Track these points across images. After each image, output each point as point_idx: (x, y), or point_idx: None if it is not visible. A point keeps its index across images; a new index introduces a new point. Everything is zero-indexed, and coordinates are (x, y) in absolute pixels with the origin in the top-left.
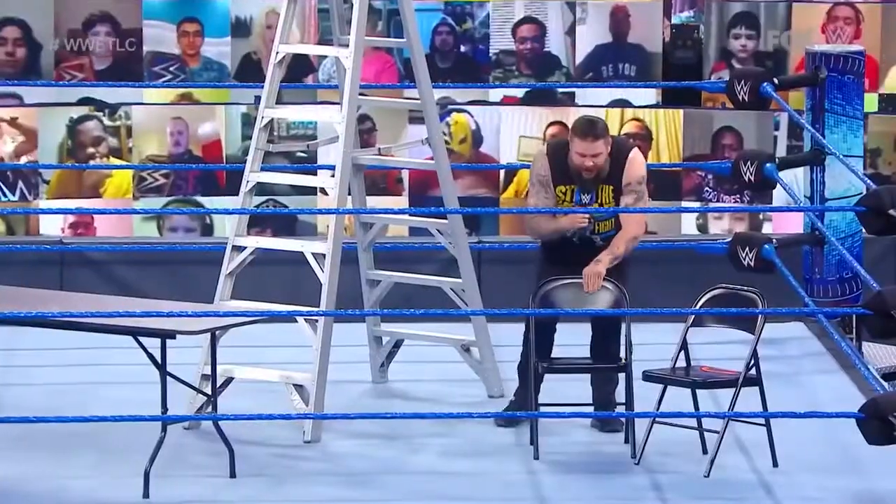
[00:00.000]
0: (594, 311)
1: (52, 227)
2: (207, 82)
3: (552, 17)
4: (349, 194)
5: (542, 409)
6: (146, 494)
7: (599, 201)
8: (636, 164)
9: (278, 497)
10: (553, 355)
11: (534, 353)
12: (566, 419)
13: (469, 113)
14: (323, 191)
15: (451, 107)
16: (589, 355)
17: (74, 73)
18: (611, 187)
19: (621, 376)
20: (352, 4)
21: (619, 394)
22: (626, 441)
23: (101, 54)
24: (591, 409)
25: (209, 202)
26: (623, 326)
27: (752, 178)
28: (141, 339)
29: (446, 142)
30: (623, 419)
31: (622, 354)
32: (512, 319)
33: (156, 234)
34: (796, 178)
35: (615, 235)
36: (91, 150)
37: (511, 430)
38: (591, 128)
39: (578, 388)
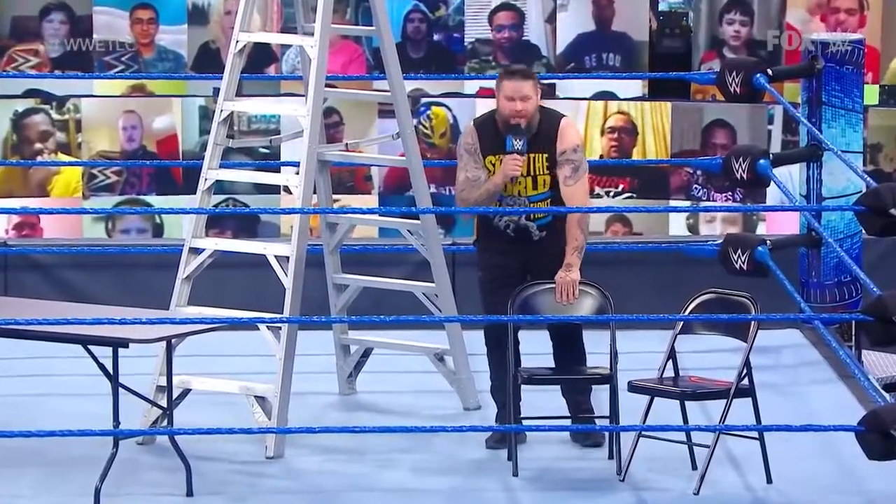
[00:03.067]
0: (578, 317)
1: None
2: (162, 73)
3: (531, 4)
4: (314, 193)
5: (525, 422)
6: None
7: (533, 172)
8: (569, 131)
9: None
10: (523, 366)
11: (513, 363)
12: (545, 433)
13: (446, 106)
14: (286, 189)
15: (424, 100)
16: (554, 364)
17: (28, 58)
18: (544, 155)
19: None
20: None
21: (599, 405)
22: (611, 457)
23: (54, 42)
24: (570, 422)
25: (164, 201)
26: (583, 332)
27: (745, 176)
28: (91, 347)
29: (427, 136)
30: (605, 433)
31: (588, 360)
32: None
33: (105, 235)
34: (791, 176)
35: (552, 222)
36: (38, 145)
37: (504, 451)
38: (518, 69)
39: (553, 399)
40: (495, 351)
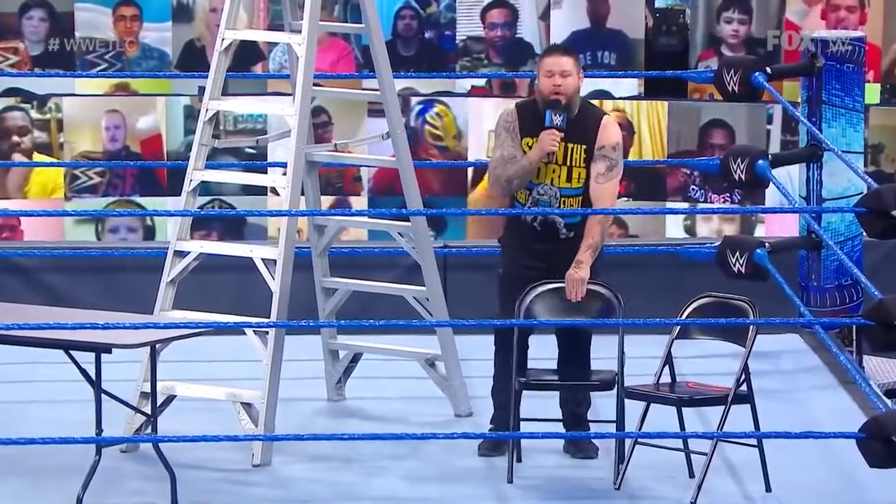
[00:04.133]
0: (581, 321)
1: None
2: (146, 72)
3: (524, 1)
4: (302, 194)
5: (523, 426)
6: None
7: (569, 162)
8: (612, 127)
9: None
10: (531, 368)
11: (515, 369)
12: (541, 439)
13: (446, 104)
14: (274, 190)
15: (417, 99)
16: (558, 370)
17: (7, 56)
18: (582, 147)
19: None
20: None
21: (602, 411)
22: (619, 464)
23: (34, 40)
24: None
25: (148, 203)
26: (589, 337)
27: (743, 177)
28: (73, 353)
29: (439, 136)
30: (597, 445)
31: (594, 368)
32: (481, 331)
33: (89, 237)
34: (791, 177)
35: (581, 223)
36: (16, 138)
37: (497, 458)
38: (559, 46)
39: (553, 404)
40: (502, 352)
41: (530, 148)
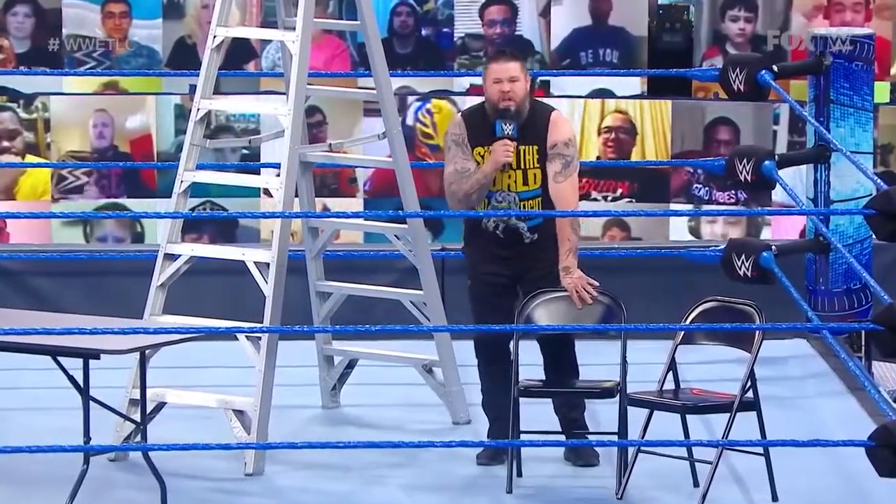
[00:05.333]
0: (586, 326)
1: None
2: (136, 70)
3: None
4: (296, 196)
5: (523, 436)
6: None
7: (523, 165)
8: (562, 123)
9: None
10: (521, 376)
11: (515, 377)
12: (540, 448)
13: (451, 101)
14: (267, 192)
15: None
16: (544, 376)
17: None
18: (535, 147)
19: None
20: None
21: (602, 419)
22: (621, 473)
23: (20, 37)
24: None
25: (137, 205)
26: (572, 342)
27: (749, 178)
28: (61, 359)
29: (428, 136)
30: (598, 453)
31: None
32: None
33: (77, 240)
34: (798, 178)
35: (544, 224)
36: (6, 143)
37: (496, 467)
38: (504, 51)
39: (547, 413)
40: (487, 365)
41: (482, 157)
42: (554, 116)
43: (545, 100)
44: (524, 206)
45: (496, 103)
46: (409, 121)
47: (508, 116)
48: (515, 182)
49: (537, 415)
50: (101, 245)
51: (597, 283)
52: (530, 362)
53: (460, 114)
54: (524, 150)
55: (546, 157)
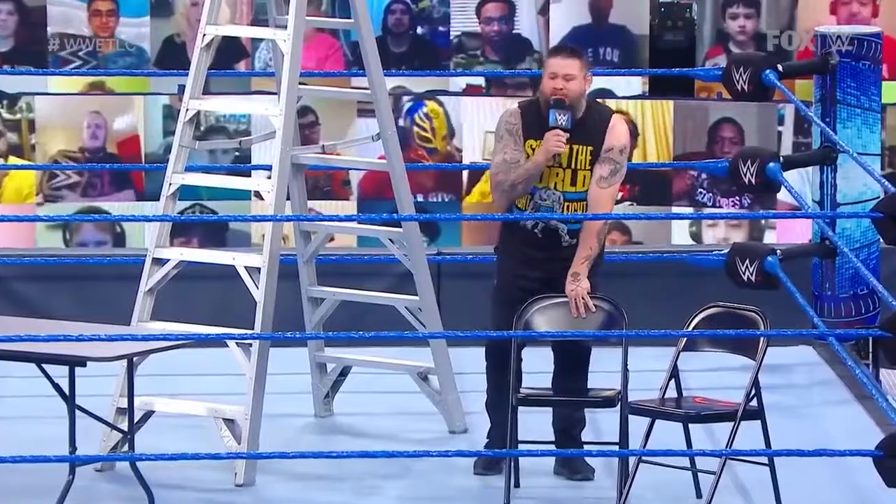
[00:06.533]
0: (582, 333)
1: None
2: (123, 69)
3: None
4: (288, 199)
5: (521, 446)
6: None
7: (574, 165)
8: (620, 129)
9: None
10: (524, 384)
11: (514, 383)
12: (539, 458)
13: (439, 102)
14: (258, 195)
15: (407, 98)
16: (553, 385)
17: None
18: (589, 148)
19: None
20: None
21: (602, 428)
22: (621, 486)
23: (2, 35)
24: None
25: (125, 208)
26: (590, 354)
27: (753, 180)
28: (46, 366)
29: (428, 139)
30: (593, 465)
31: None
32: (476, 343)
33: (60, 244)
34: (803, 180)
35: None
36: None
37: (493, 477)
38: (565, 47)
39: (549, 421)
40: (495, 372)
41: (534, 151)
42: (614, 120)
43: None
44: (568, 207)
45: (548, 97)
46: (402, 121)
47: (563, 107)
48: (563, 181)
49: (542, 425)
50: (86, 249)
51: (592, 307)
52: (538, 370)
53: (518, 104)
54: (577, 150)
55: (598, 159)
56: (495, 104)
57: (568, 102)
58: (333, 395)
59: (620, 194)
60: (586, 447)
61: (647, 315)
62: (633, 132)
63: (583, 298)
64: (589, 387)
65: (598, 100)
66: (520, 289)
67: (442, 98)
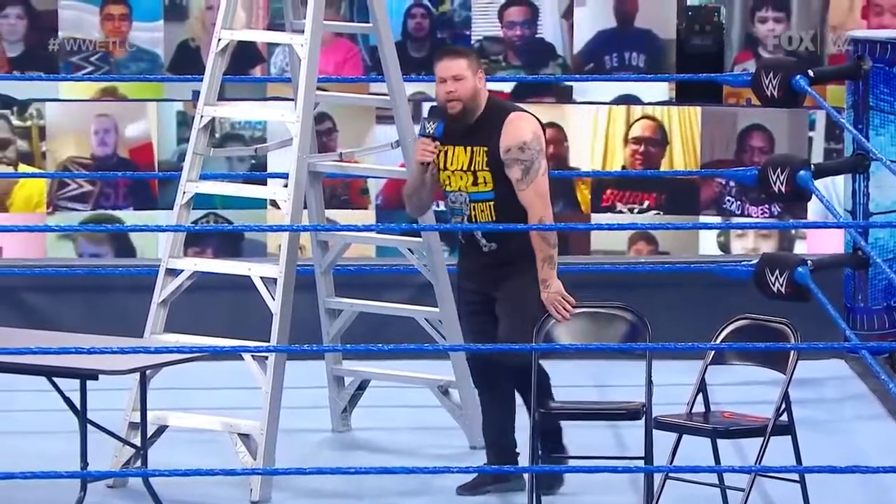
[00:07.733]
0: (609, 345)
1: None
2: (136, 75)
3: None
4: (305, 208)
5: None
6: None
7: (473, 167)
8: (517, 125)
9: None
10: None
11: (534, 399)
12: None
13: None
14: (274, 203)
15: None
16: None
17: None
18: (484, 149)
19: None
20: None
21: (628, 443)
22: (647, 502)
23: (12, 40)
24: (605, 462)
25: (138, 217)
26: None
27: (783, 189)
28: (57, 380)
29: None
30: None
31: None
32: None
33: (72, 254)
34: (835, 188)
35: (503, 233)
36: None
37: (516, 496)
38: (450, 48)
39: (569, 434)
40: (482, 394)
41: (447, 156)
42: (509, 119)
43: (569, 107)
44: (475, 207)
45: (442, 103)
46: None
47: (435, 115)
48: (466, 183)
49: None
50: (98, 260)
51: (573, 301)
52: (556, 383)
53: (429, 110)
54: (474, 151)
55: (497, 159)
56: None
57: (461, 106)
58: (351, 410)
59: (647, 202)
60: (566, 462)
61: (674, 327)
62: (660, 139)
63: (559, 302)
64: (613, 400)
65: (500, 99)
66: (464, 302)
67: None
